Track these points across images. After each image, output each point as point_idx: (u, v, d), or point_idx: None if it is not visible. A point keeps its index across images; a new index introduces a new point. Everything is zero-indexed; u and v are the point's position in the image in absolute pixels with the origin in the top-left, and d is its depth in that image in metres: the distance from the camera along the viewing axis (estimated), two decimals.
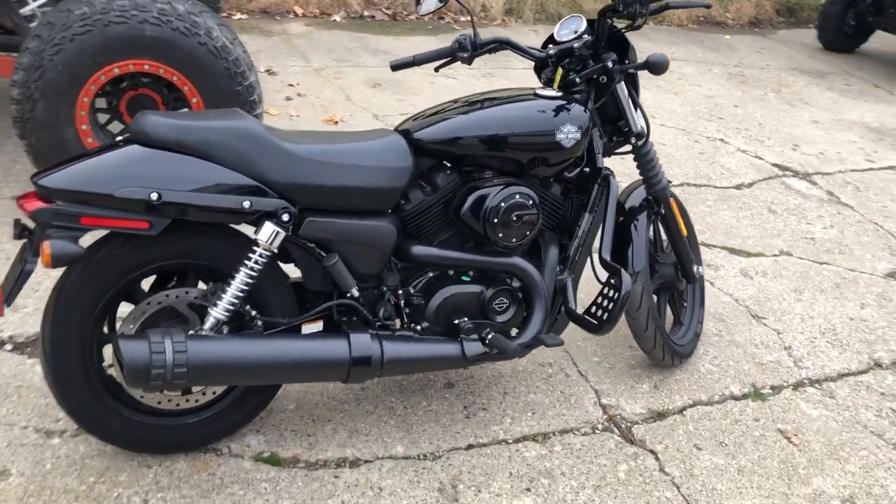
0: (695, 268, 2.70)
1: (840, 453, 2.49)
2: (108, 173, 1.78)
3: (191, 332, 1.89)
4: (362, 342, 1.98)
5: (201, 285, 2.02)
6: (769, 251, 3.67)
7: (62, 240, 1.73)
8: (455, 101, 2.25)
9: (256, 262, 1.91)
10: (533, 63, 2.37)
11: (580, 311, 2.29)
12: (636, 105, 2.40)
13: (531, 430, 2.40)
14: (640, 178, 2.54)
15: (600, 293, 2.27)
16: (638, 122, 2.40)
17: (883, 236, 3.95)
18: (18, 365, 2.36)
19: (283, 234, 1.90)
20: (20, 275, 1.79)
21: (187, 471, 2.07)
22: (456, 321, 2.16)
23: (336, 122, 4.30)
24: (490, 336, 2.13)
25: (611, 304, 2.20)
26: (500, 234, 2.13)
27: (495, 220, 2.11)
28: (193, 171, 1.84)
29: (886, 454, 2.52)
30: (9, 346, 2.43)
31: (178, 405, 2.03)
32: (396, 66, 2.31)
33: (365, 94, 4.80)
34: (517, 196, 2.13)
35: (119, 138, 1.93)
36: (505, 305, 2.22)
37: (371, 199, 2.03)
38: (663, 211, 2.56)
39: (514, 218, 2.13)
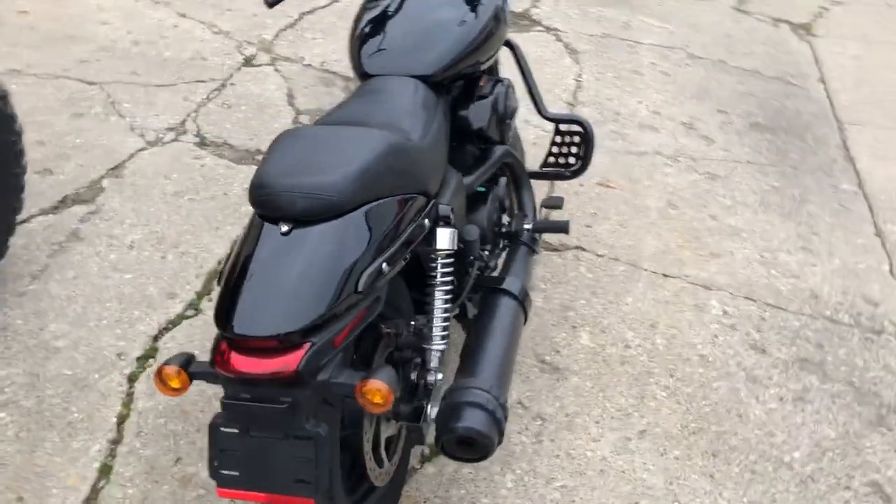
0: None
1: (631, 176, 3.28)
2: (333, 274, 1.38)
3: (432, 375, 1.66)
4: (515, 285, 1.93)
5: None
6: None
7: (385, 370, 1.34)
8: (386, 19, 2.04)
9: (444, 273, 1.69)
10: None
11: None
12: None
13: None
14: None
15: (554, 143, 2.47)
16: None
17: None
18: None
19: (456, 230, 1.70)
20: (321, 454, 1.34)
21: None
22: (502, 229, 2.20)
23: None
24: (533, 223, 2.23)
25: (578, 149, 2.43)
26: (509, 131, 2.17)
27: (508, 120, 2.13)
28: (384, 217, 1.50)
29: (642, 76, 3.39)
30: None
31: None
32: (274, 2, 2.00)
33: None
34: (506, 89, 2.15)
35: (284, 228, 1.39)
36: (508, 192, 2.30)
37: (446, 157, 1.88)
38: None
39: (514, 108, 2.17)
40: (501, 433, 1.57)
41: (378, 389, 1.33)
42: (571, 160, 2.47)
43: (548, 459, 2.07)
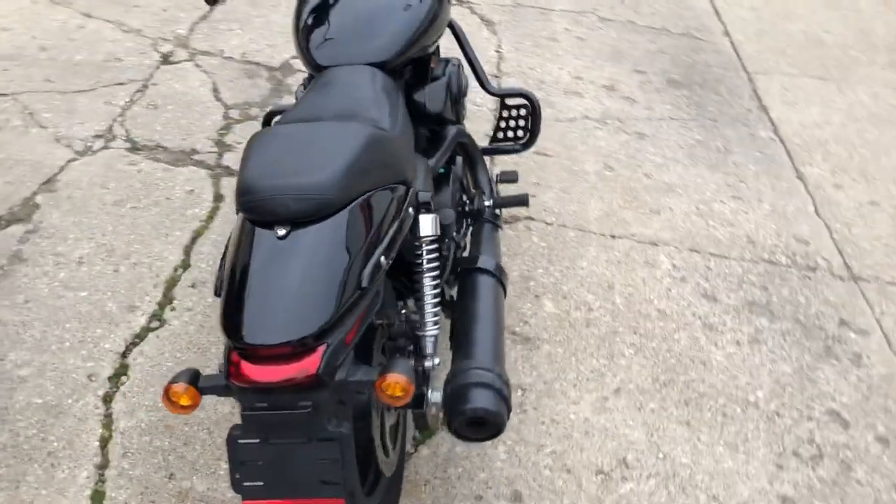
0: None
1: (565, 142, 3.34)
2: (337, 273, 1.37)
3: (429, 360, 1.67)
4: (490, 262, 1.95)
5: None
6: None
7: (401, 363, 1.35)
8: (329, 8, 2.01)
9: (430, 259, 1.69)
10: None
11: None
12: None
13: None
14: None
15: (501, 118, 2.49)
16: None
17: None
18: None
19: (437, 216, 1.71)
20: (346, 453, 1.34)
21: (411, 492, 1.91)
22: (465, 208, 2.21)
23: None
24: (493, 199, 2.25)
25: (526, 121, 2.45)
26: (464, 110, 2.18)
27: (462, 99, 2.14)
28: (374, 210, 1.50)
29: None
30: None
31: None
32: None
33: None
34: (457, 68, 2.15)
35: (281, 232, 1.36)
36: (464, 171, 2.31)
37: (413, 142, 1.88)
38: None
39: (466, 87, 2.18)
40: (509, 408, 1.59)
41: (398, 382, 1.33)
42: (520, 133, 2.49)
43: (534, 427, 2.12)
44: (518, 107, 2.47)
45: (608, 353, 2.37)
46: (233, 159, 2.95)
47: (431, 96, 2.06)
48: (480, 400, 1.55)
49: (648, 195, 3.09)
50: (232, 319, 1.32)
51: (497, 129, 2.52)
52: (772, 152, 3.49)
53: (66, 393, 2.05)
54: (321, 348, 1.31)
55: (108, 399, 2.05)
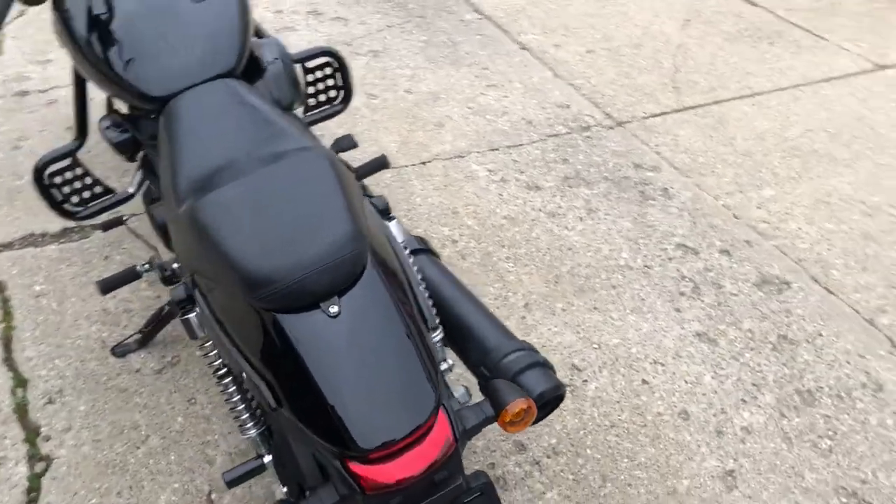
0: None
1: None
2: (411, 329, 1.25)
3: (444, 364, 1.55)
4: (412, 241, 1.78)
5: None
6: None
7: (506, 386, 1.25)
8: (123, 26, 1.64)
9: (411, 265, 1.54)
10: None
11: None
12: None
13: None
14: None
15: (308, 83, 2.22)
16: None
17: None
18: None
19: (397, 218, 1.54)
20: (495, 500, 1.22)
21: None
22: None
23: None
24: (357, 171, 2.07)
25: (334, 79, 2.22)
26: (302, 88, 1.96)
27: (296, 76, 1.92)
28: (385, 238, 1.34)
29: None
30: None
31: None
32: None
33: None
34: (281, 46, 1.90)
35: (333, 309, 1.11)
36: None
37: None
38: None
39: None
40: (554, 371, 1.56)
41: (520, 407, 1.24)
42: (332, 93, 2.28)
43: None
44: (322, 66, 2.25)
45: (497, 276, 2.39)
46: None
47: (278, 87, 1.80)
48: (536, 384, 1.50)
49: (423, 111, 3.06)
50: (334, 429, 1.11)
51: (307, 96, 2.27)
52: (489, 32, 3.61)
53: None
54: (441, 413, 1.17)
55: None
